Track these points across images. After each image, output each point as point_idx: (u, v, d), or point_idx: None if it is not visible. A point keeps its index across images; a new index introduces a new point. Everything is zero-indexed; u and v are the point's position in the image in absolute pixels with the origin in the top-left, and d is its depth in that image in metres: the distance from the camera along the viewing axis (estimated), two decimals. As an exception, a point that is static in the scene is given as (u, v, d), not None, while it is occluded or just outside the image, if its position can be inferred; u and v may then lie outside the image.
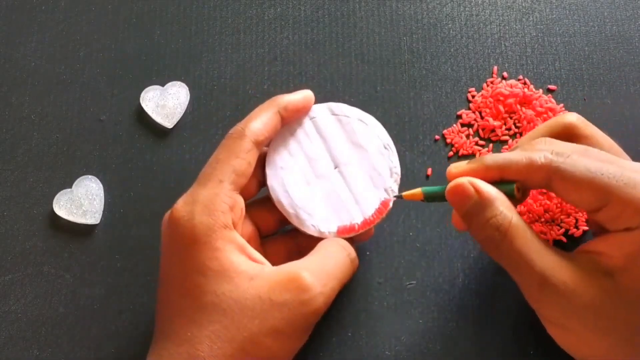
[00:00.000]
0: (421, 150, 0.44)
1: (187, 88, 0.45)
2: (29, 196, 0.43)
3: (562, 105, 0.44)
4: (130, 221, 0.42)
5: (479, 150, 0.43)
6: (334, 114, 0.39)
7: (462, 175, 0.33)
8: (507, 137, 0.44)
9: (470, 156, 0.43)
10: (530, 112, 0.44)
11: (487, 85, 0.45)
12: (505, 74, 0.45)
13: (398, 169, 0.38)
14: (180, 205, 0.34)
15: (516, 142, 0.43)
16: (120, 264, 0.41)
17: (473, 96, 0.45)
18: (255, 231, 0.38)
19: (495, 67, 0.45)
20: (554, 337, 0.33)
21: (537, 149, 0.33)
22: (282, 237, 0.39)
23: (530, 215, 0.41)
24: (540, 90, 0.45)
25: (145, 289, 0.40)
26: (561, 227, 0.41)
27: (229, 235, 0.33)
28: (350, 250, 0.36)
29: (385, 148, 0.38)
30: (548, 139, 0.34)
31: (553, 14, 0.47)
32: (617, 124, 0.44)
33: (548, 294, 0.31)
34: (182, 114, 0.45)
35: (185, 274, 0.32)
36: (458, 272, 0.41)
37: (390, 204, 0.38)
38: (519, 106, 0.44)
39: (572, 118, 0.35)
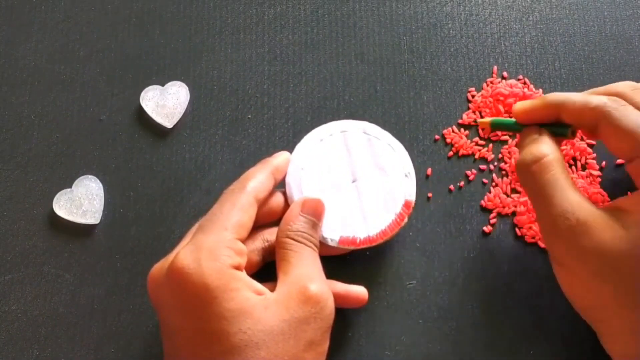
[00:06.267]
0: (421, 150, 0.44)
1: (187, 88, 0.45)
2: (29, 196, 0.43)
3: (562, 105, 0.44)
4: (130, 221, 0.42)
5: (479, 150, 0.43)
6: (365, 133, 0.40)
7: (525, 112, 0.36)
8: (507, 137, 0.44)
9: (470, 156, 0.43)
10: (530, 112, 0.44)
11: (487, 85, 0.45)
12: (505, 73, 0.45)
13: (413, 198, 0.39)
14: (183, 254, 0.33)
15: (516, 142, 0.43)
16: (120, 264, 0.41)
17: (473, 96, 0.45)
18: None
19: (495, 67, 0.45)
20: (559, 280, 0.34)
21: (598, 93, 0.35)
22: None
23: (531, 215, 0.41)
24: (541, 90, 0.45)
25: (145, 289, 0.40)
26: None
27: (239, 275, 0.33)
28: (315, 242, 0.36)
29: (406, 176, 0.39)
30: (629, 82, 0.36)
31: (553, 13, 0.47)
32: (617, 124, 0.44)
33: (561, 230, 0.32)
34: (182, 114, 0.45)
35: (203, 321, 0.32)
36: (458, 272, 0.41)
37: (397, 230, 0.38)
38: (519, 106, 0.44)
39: (626, 88, 0.36)
